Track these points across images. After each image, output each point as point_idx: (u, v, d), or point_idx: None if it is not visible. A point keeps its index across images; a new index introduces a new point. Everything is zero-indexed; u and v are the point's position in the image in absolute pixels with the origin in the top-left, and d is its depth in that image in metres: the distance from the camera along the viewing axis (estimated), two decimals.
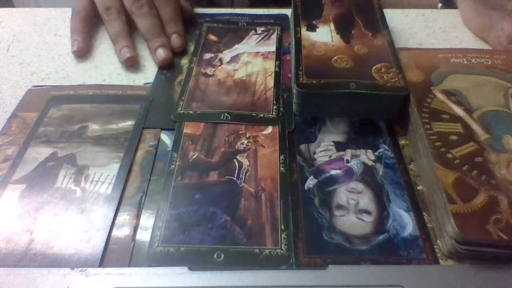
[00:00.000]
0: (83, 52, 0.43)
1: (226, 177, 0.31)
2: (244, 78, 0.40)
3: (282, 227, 0.28)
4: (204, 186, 0.31)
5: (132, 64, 0.41)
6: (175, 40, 0.43)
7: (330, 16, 0.42)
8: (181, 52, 0.43)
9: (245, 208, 0.29)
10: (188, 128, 0.35)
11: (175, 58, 0.42)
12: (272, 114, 0.36)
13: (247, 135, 0.34)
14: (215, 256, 0.27)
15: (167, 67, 0.41)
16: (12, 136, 0.34)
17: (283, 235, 0.28)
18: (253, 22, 0.47)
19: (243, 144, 0.34)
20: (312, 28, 0.40)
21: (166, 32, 0.43)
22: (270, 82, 0.39)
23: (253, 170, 0.32)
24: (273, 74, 0.40)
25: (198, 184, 0.31)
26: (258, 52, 0.43)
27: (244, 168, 0.32)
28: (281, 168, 0.32)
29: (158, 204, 0.30)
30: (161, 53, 0.41)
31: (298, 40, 0.38)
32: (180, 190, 0.30)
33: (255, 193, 0.30)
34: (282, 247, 0.27)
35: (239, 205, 0.29)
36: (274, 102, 0.37)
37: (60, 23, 0.47)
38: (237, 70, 0.41)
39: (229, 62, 0.41)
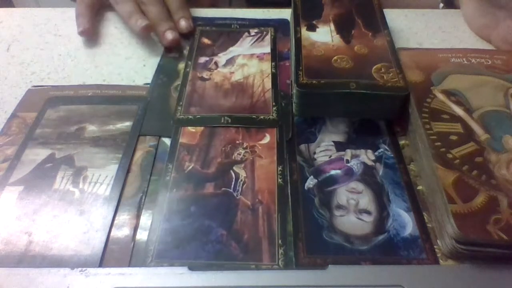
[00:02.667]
0: (89, 33, 0.45)
1: (223, 189, 0.30)
2: (241, 80, 0.40)
3: (280, 242, 0.27)
4: (199, 198, 0.30)
5: (149, 31, 0.44)
6: (183, 23, 0.45)
7: (330, 16, 0.42)
8: (189, 35, 0.45)
9: (242, 221, 0.29)
10: (184, 138, 0.34)
11: (172, 63, 0.42)
12: (273, 115, 0.36)
13: (244, 145, 0.34)
14: None
15: (174, 48, 0.43)
16: (12, 136, 0.34)
17: (280, 251, 0.27)
18: (246, 24, 0.47)
19: (240, 155, 0.33)
20: (312, 28, 0.40)
21: (173, 19, 0.45)
22: (268, 83, 0.39)
23: (250, 182, 0.31)
24: (270, 76, 0.40)
25: (194, 196, 0.30)
26: (253, 54, 0.43)
27: (241, 180, 0.31)
28: (279, 180, 0.31)
29: (152, 217, 0.29)
30: (169, 34, 0.43)
31: (298, 40, 0.38)
32: (175, 203, 0.30)
33: (252, 206, 0.29)
34: (279, 263, 0.27)
35: (236, 219, 0.29)
36: (274, 103, 0.37)
37: (60, 23, 0.47)
38: (233, 72, 0.40)
39: (225, 65, 0.41)
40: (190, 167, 0.32)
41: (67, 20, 0.48)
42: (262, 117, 0.36)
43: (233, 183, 0.31)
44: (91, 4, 0.46)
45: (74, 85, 0.39)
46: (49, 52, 0.44)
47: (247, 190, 0.30)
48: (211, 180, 0.31)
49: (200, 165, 0.32)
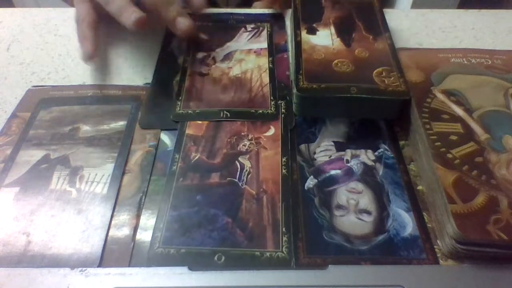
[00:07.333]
0: (91, 56, 0.40)
1: (228, 179, 0.31)
2: (239, 75, 0.40)
3: (284, 230, 0.28)
4: (205, 187, 0.31)
5: (143, 26, 0.37)
6: (181, 22, 0.39)
7: (330, 19, 0.41)
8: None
9: (247, 210, 0.29)
10: (190, 129, 0.35)
11: (172, 56, 0.42)
12: (271, 109, 0.36)
13: (250, 137, 0.34)
14: (215, 258, 0.27)
15: (192, 38, 0.41)
16: (12, 136, 0.34)
17: (284, 238, 0.28)
18: (242, 19, 0.47)
19: (245, 146, 0.33)
20: (312, 31, 0.40)
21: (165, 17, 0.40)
22: (266, 78, 0.39)
23: (255, 172, 0.32)
24: (268, 71, 0.40)
25: (200, 185, 0.31)
26: (251, 49, 0.43)
27: (246, 170, 0.32)
28: (283, 171, 0.32)
29: (159, 205, 0.30)
30: (181, 22, 0.39)
31: (298, 44, 0.38)
32: (181, 191, 0.30)
33: (257, 195, 0.30)
34: (283, 250, 0.27)
35: (241, 207, 0.29)
36: (272, 97, 0.37)
37: (60, 23, 0.47)
38: (231, 67, 0.41)
39: (222, 60, 0.41)
40: (196, 157, 0.33)
41: (67, 20, 0.48)
42: (260, 111, 0.36)
43: (238, 173, 0.31)
44: (91, 23, 0.41)
45: (74, 85, 0.39)
46: (49, 52, 0.44)
47: (252, 180, 0.31)
48: (216, 170, 0.32)
49: (206, 155, 0.33)
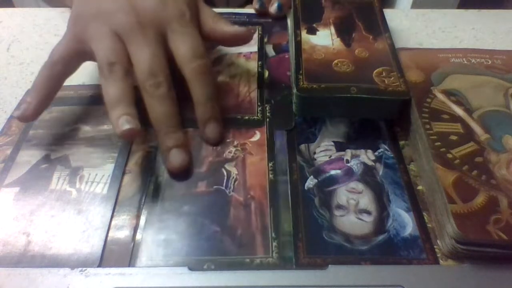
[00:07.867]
0: (28, 120, 0.33)
1: (215, 187, 0.31)
2: (228, 80, 0.39)
3: (273, 235, 0.28)
4: (192, 197, 0.30)
5: (132, 138, 0.33)
6: (211, 130, 0.33)
7: (330, 19, 0.41)
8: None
9: (235, 217, 0.29)
10: None
11: None
12: (257, 115, 0.36)
13: (235, 143, 0.34)
14: (205, 267, 0.26)
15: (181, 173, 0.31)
16: (12, 136, 0.34)
17: (274, 243, 0.27)
18: (233, 18, 0.46)
19: (231, 153, 0.33)
20: (312, 31, 0.40)
21: (198, 115, 0.33)
22: (254, 83, 0.39)
23: (242, 179, 0.31)
24: (256, 75, 0.40)
25: (186, 195, 0.30)
26: (240, 53, 0.42)
27: (233, 177, 0.31)
28: (270, 175, 0.31)
29: (145, 217, 0.29)
30: (175, 158, 0.31)
31: (298, 44, 0.38)
32: (168, 202, 0.30)
33: (244, 202, 0.30)
34: (273, 255, 0.27)
35: (229, 215, 0.29)
36: (259, 103, 0.37)
37: (60, 23, 0.48)
38: (220, 71, 0.40)
39: (211, 64, 0.41)
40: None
41: (67, 20, 0.48)
42: (246, 117, 0.36)
43: (225, 180, 0.31)
44: (60, 75, 0.34)
45: (74, 85, 0.39)
46: (49, 52, 0.43)
47: (239, 187, 0.31)
48: (203, 179, 0.31)
49: (192, 164, 0.32)
